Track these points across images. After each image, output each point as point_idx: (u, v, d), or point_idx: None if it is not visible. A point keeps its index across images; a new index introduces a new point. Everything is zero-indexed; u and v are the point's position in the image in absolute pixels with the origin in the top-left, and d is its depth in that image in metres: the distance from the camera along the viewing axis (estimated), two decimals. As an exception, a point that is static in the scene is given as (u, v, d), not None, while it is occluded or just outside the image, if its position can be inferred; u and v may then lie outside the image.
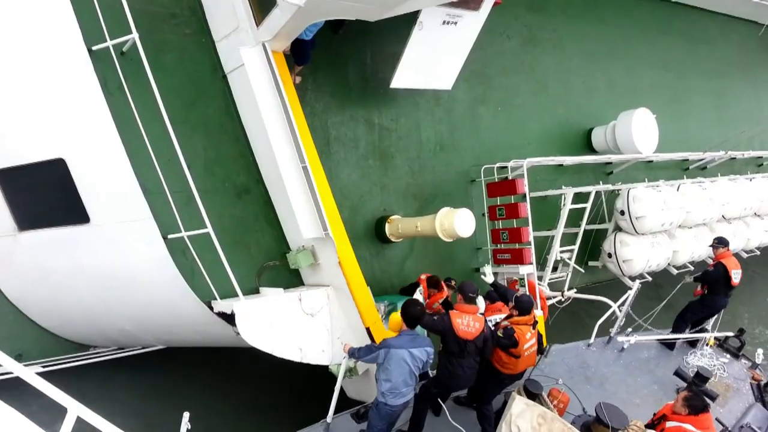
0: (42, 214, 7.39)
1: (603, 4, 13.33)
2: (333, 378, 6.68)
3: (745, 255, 14.16)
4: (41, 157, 6.92)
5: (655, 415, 6.17)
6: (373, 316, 7.38)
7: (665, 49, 14.71)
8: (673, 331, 9.39)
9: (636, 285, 8.97)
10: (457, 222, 7.72)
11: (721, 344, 9.52)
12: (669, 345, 9.26)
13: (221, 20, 7.20)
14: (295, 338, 7.10)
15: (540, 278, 9.75)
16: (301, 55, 7.81)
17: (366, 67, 9.05)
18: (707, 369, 8.23)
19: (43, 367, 7.88)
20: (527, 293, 7.90)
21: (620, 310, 8.93)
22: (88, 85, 6.46)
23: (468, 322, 6.07)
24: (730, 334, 9.46)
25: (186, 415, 5.10)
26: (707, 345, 9.39)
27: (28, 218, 7.44)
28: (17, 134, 6.96)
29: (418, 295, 8.19)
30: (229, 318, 6.81)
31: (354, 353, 6.09)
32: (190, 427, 5.10)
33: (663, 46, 14.66)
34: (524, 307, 6.49)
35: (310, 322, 7.24)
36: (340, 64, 8.76)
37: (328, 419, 6.44)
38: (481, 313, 7.00)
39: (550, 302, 9.69)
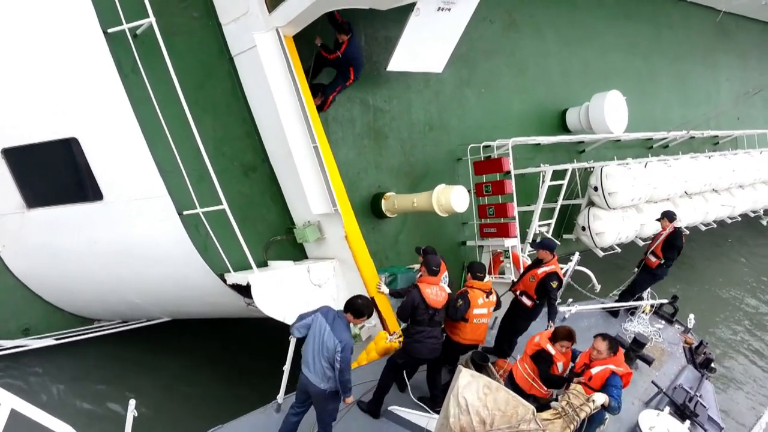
0: (52, 191, 7.57)
1: (576, -12, 13.92)
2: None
3: (703, 228, 15.20)
4: (53, 136, 7.11)
5: (575, 365, 6.26)
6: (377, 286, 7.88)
7: (632, 34, 15.43)
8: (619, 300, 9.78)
9: (576, 257, 9.38)
10: (454, 198, 8.28)
11: (657, 311, 9.90)
12: (613, 313, 9.62)
13: (229, 4, 7.46)
14: (305, 308, 7.50)
15: (522, 251, 10.38)
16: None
17: (361, 50, 9.38)
18: (643, 335, 8.62)
19: (56, 339, 8.13)
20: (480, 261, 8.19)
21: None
22: (103, 67, 6.67)
23: (436, 292, 6.42)
24: (665, 301, 9.94)
25: (132, 402, 5.13)
26: (643, 312, 9.74)
27: (37, 196, 7.61)
28: (27, 114, 7.11)
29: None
30: (242, 289, 7.21)
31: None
32: (136, 414, 5.16)
33: (630, 30, 15.37)
34: (474, 270, 6.91)
35: (317, 293, 7.71)
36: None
37: (279, 399, 6.28)
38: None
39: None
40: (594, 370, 5.93)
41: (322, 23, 7.73)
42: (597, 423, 6.20)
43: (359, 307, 5.52)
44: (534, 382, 6.30)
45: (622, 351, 6.14)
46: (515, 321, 7.62)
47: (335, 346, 5.26)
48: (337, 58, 8.25)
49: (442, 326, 6.84)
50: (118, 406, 8.13)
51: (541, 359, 6.24)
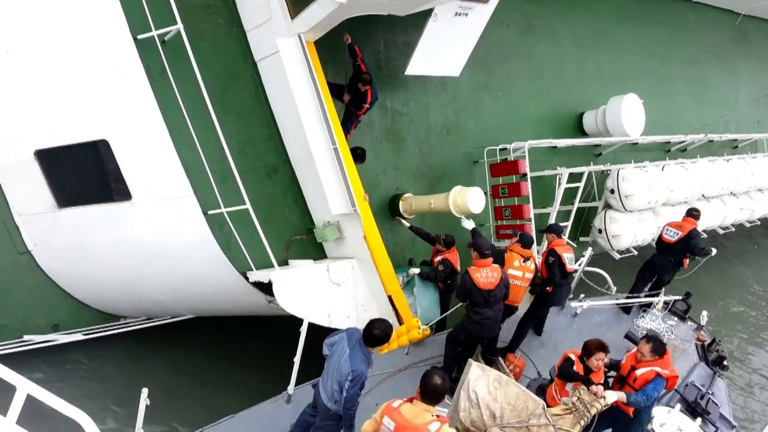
0: (82, 191, 7.82)
1: (592, -8, 14.02)
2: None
3: (721, 231, 15.15)
4: (85, 138, 7.37)
5: (621, 367, 6.36)
6: (395, 285, 8.05)
7: (648, 37, 15.45)
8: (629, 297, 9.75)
9: (588, 252, 9.31)
10: (470, 199, 8.46)
11: (669, 308, 9.78)
12: (625, 309, 9.58)
13: (253, 11, 7.69)
14: (324, 305, 7.75)
15: (538, 252, 10.48)
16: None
17: (380, 55, 9.64)
18: (656, 331, 8.62)
19: (84, 335, 8.41)
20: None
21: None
22: (133, 72, 6.92)
23: (487, 274, 6.71)
24: (678, 297, 9.85)
25: (144, 391, 5.21)
26: (656, 309, 9.64)
27: (68, 196, 7.88)
28: (61, 117, 7.38)
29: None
30: (264, 287, 7.42)
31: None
32: (148, 403, 5.25)
33: (646, 33, 15.39)
34: (524, 240, 7.50)
35: (337, 291, 7.90)
36: (357, 52, 9.30)
37: (290, 390, 6.35)
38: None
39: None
40: (639, 371, 6.05)
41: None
42: (645, 421, 6.34)
43: (377, 336, 5.27)
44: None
45: (669, 353, 6.24)
46: (534, 307, 7.99)
47: (347, 374, 5.13)
48: (367, 110, 8.57)
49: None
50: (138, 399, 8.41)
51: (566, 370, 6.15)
